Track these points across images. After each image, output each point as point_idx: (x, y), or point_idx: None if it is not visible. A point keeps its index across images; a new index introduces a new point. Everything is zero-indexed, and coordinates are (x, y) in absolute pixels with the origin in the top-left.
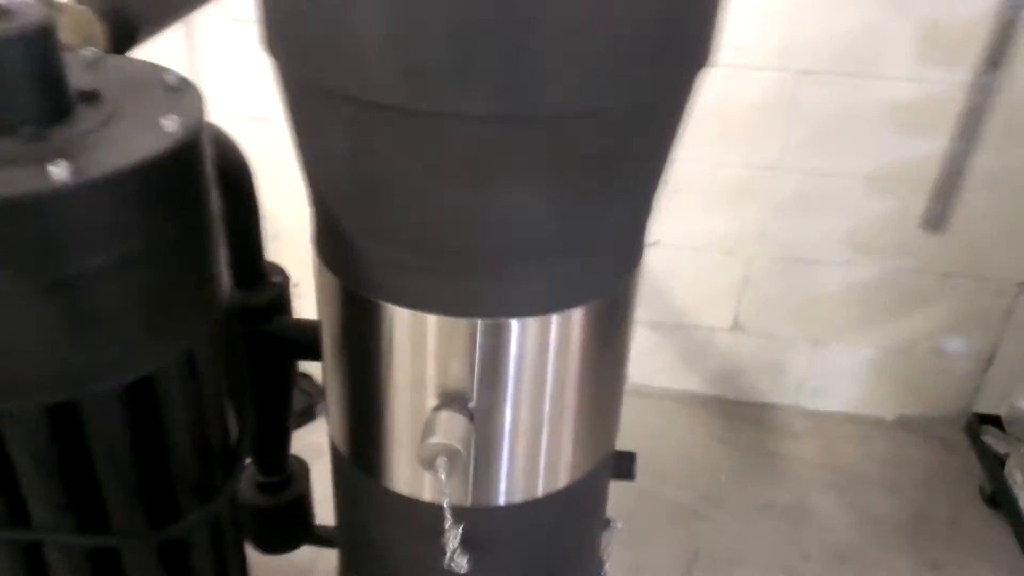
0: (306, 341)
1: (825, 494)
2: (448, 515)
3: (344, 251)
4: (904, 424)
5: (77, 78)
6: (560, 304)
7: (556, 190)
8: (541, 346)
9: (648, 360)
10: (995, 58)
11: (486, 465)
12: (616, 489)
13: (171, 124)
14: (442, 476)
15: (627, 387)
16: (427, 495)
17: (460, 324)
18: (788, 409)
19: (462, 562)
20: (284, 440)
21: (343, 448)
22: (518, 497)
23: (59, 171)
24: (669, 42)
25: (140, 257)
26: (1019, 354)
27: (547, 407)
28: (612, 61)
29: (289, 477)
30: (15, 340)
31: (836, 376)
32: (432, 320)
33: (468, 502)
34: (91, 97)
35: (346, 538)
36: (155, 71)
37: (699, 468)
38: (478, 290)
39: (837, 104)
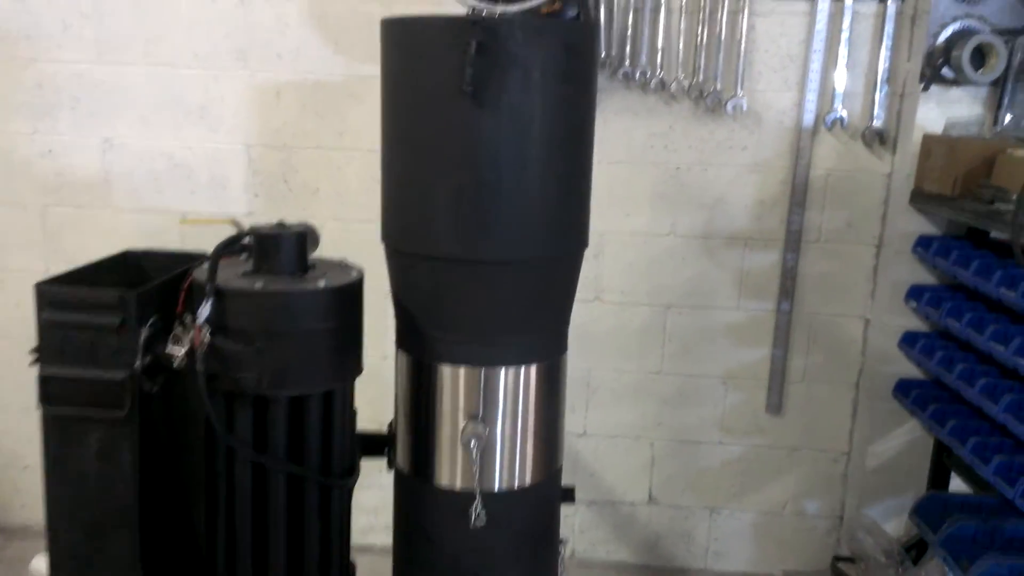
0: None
1: None
2: (476, 486)
3: (414, 338)
4: None
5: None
6: (526, 361)
7: (518, 304)
8: (515, 385)
9: (588, 535)
10: (785, 292)
11: (490, 459)
12: None
13: (354, 273)
14: (473, 449)
15: (575, 559)
16: (459, 485)
17: (474, 370)
18: (699, 572)
19: (481, 520)
20: None
21: (406, 469)
22: (506, 486)
23: (322, 283)
24: (570, 231)
25: (336, 327)
26: (860, 507)
27: (520, 422)
28: (544, 236)
29: None
30: (305, 358)
31: (731, 539)
32: (460, 369)
33: (479, 488)
34: (313, 266)
35: (401, 537)
36: (336, 261)
37: None
38: (483, 353)
39: (692, 327)
